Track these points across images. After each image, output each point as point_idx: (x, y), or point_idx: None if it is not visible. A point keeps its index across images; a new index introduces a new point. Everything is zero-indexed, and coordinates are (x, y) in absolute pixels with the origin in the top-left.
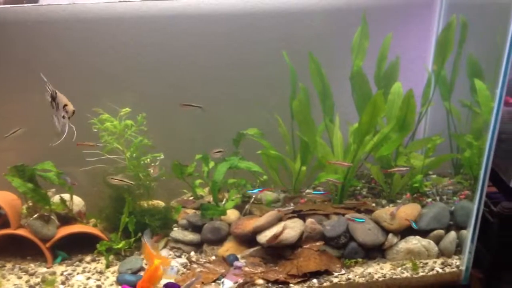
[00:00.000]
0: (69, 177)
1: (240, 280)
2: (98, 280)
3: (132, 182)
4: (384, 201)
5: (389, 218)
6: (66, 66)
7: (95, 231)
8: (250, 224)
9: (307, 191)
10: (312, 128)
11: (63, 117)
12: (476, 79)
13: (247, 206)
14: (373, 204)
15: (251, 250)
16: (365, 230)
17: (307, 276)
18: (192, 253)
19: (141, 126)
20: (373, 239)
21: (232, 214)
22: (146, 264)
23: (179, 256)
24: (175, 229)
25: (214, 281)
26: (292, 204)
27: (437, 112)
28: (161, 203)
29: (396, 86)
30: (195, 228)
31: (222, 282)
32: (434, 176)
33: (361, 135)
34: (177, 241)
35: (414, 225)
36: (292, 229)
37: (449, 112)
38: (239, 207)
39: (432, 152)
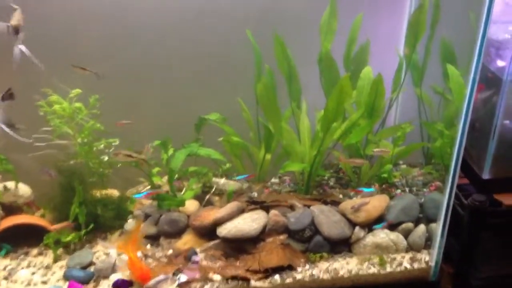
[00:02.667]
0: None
1: (198, 276)
2: (44, 275)
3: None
4: (352, 192)
5: (351, 212)
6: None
7: (42, 222)
8: (210, 215)
9: (272, 180)
10: (277, 114)
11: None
12: (448, 64)
13: (207, 197)
14: (340, 196)
15: (211, 243)
16: (331, 223)
17: (269, 272)
18: (148, 247)
19: (93, 110)
20: (339, 233)
21: (191, 205)
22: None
23: None
24: (129, 220)
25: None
26: (255, 194)
27: (409, 98)
28: (116, 193)
29: (366, 70)
30: (152, 220)
31: (179, 278)
32: (404, 166)
33: (328, 122)
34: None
35: (378, 226)
36: (254, 221)
37: (420, 99)
38: (199, 198)
39: (402, 140)
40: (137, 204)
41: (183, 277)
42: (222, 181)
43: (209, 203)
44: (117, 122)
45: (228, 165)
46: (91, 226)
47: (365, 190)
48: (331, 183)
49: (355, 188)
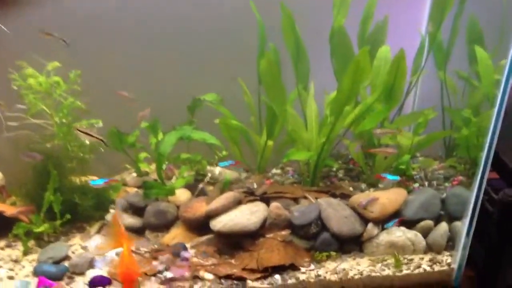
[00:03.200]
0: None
1: (187, 274)
2: (11, 270)
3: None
4: (363, 185)
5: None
6: None
7: (11, 210)
8: (203, 207)
9: (274, 171)
10: (281, 95)
11: None
12: (476, 46)
13: (200, 186)
14: (351, 188)
15: (203, 238)
16: (340, 218)
17: (268, 271)
18: None
19: (74, 85)
20: (349, 229)
21: (182, 195)
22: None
23: None
24: (112, 211)
25: (155, 275)
26: (255, 185)
27: (429, 83)
28: None
29: (384, 50)
30: (136, 210)
31: (165, 276)
32: (422, 158)
33: (340, 105)
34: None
35: (389, 225)
36: (253, 214)
37: (444, 84)
38: (191, 188)
39: (424, 128)
40: (122, 193)
41: (169, 275)
42: (218, 169)
43: (203, 194)
44: (118, 91)
45: (225, 152)
46: (68, 216)
47: (389, 177)
48: (340, 175)
49: (378, 174)
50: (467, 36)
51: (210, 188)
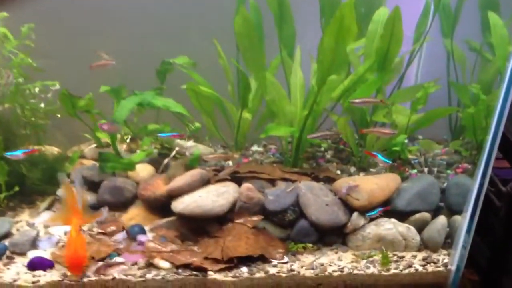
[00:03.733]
0: None
1: (140, 260)
2: None
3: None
4: (353, 169)
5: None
6: None
7: None
8: (164, 185)
9: (255, 148)
10: (259, 59)
11: None
12: (490, 12)
13: (165, 161)
14: (338, 172)
15: (164, 220)
16: (320, 205)
17: (233, 262)
18: None
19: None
20: (329, 218)
21: (143, 170)
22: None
23: None
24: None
25: (103, 259)
26: (229, 163)
27: (435, 53)
28: (56, 150)
29: (381, 11)
30: (91, 185)
31: (114, 259)
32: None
33: (323, 71)
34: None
35: (371, 213)
36: (220, 196)
37: (451, 54)
38: (156, 163)
39: (423, 104)
40: (79, 165)
41: (119, 260)
42: (189, 144)
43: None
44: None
45: (197, 124)
46: (16, 188)
47: (381, 157)
48: (328, 156)
49: (369, 151)
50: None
51: (177, 164)
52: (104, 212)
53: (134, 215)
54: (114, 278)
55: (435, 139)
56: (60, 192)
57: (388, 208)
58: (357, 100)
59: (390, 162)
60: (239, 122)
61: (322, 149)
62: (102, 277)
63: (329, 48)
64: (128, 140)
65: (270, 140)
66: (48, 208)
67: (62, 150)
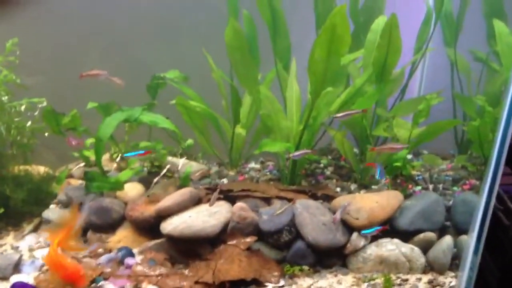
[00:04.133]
0: None
1: (128, 285)
2: None
3: None
4: (353, 186)
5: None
6: None
7: None
8: (153, 205)
9: (252, 165)
10: (252, 73)
11: None
12: (495, 20)
13: (155, 180)
14: (338, 189)
15: (153, 242)
16: (317, 225)
17: (225, 286)
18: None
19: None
20: (327, 239)
21: (132, 190)
22: None
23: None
24: (52, 206)
25: (90, 284)
26: (224, 181)
27: (438, 63)
28: (43, 170)
29: (380, 20)
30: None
31: (100, 286)
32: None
33: (317, 83)
34: (51, 223)
35: (366, 231)
36: (212, 216)
37: (454, 64)
38: (145, 181)
39: (425, 117)
40: (66, 184)
41: (108, 286)
42: (181, 161)
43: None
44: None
45: (190, 141)
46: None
47: (379, 172)
48: (328, 173)
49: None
50: (484, 7)
51: (168, 183)
52: (95, 245)
53: (122, 237)
54: None
55: (441, 154)
56: (48, 213)
57: (386, 228)
58: (339, 114)
59: (383, 178)
60: (233, 138)
61: (322, 165)
62: None
63: (321, 59)
64: (118, 159)
65: (268, 156)
66: (34, 230)
67: (51, 170)
